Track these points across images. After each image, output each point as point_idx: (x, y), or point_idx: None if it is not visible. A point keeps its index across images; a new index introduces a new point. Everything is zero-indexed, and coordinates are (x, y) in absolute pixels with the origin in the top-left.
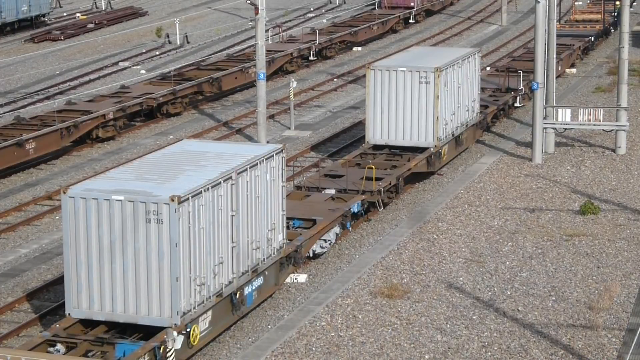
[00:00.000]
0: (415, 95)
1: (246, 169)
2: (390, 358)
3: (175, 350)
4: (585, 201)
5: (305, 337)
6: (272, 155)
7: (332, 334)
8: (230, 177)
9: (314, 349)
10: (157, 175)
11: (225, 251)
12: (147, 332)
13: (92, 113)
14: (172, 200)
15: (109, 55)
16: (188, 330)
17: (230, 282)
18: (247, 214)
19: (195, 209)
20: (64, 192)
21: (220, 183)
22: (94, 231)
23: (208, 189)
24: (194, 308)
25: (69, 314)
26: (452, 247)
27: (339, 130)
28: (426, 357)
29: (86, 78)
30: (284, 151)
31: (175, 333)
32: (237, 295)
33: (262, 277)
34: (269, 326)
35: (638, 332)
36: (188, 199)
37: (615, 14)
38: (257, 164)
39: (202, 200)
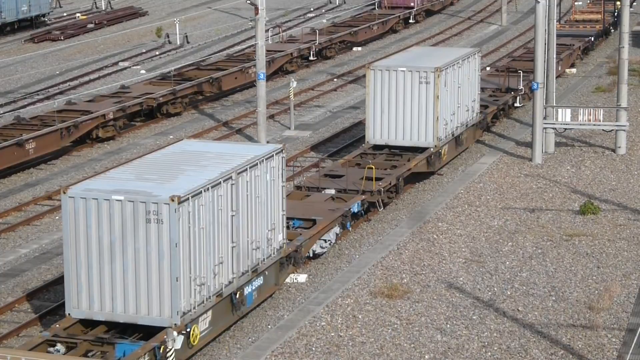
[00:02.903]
0: (415, 95)
1: (246, 169)
2: (390, 358)
3: (175, 350)
4: (585, 201)
5: (305, 337)
6: (272, 156)
7: (332, 334)
8: (230, 177)
9: (314, 349)
10: (157, 175)
11: (225, 251)
12: (147, 332)
13: (92, 113)
14: (172, 200)
15: (109, 55)
16: (188, 330)
17: (230, 282)
18: (247, 214)
19: (195, 209)
20: (64, 192)
21: (220, 183)
22: (94, 231)
23: (208, 189)
24: (194, 308)
25: (68, 314)
26: (452, 247)
27: (339, 130)
28: (426, 357)
29: (86, 78)
30: (284, 151)
31: (175, 333)
32: (237, 295)
33: (262, 277)
34: (269, 326)
35: (638, 332)
36: (188, 199)
37: (616, 13)
38: (257, 164)
39: (202, 200)
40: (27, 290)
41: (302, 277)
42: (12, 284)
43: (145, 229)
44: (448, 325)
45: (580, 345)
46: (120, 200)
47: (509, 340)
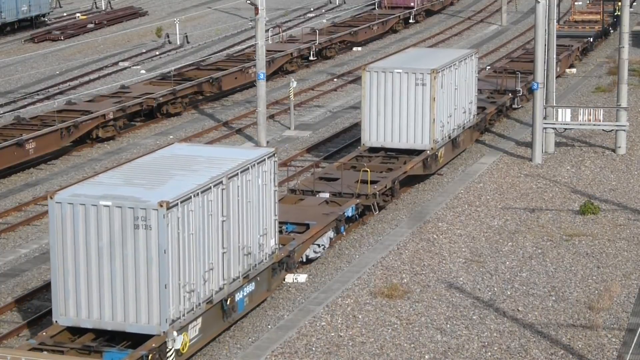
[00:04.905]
0: (411, 97)
1: (237, 174)
2: (390, 358)
3: (175, 350)
4: (585, 201)
5: (305, 337)
6: (264, 159)
7: (332, 334)
8: (221, 182)
9: (314, 349)
10: (146, 180)
11: (215, 257)
12: (136, 340)
13: (92, 113)
14: (161, 206)
15: (109, 55)
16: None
17: (220, 289)
18: (238, 219)
19: (185, 215)
20: (51, 198)
21: (210, 188)
22: (82, 237)
23: (198, 194)
24: (183, 315)
25: (56, 322)
26: (452, 247)
27: (339, 131)
28: (426, 357)
29: (86, 78)
30: (275, 155)
31: (175, 333)
32: (228, 302)
33: (253, 283)
34: (269, 326)
35: (638, 332)
36: (177, 204)
37: (615, 14)
38: (248, 168)
39: (192, 205)
40: (27, 290)
41: (302, 277)
42: (12, 284)
43: (133, 235)
44: (448, 325)
45: (580, 345)
46: (108, 206)
47: (509, 340)
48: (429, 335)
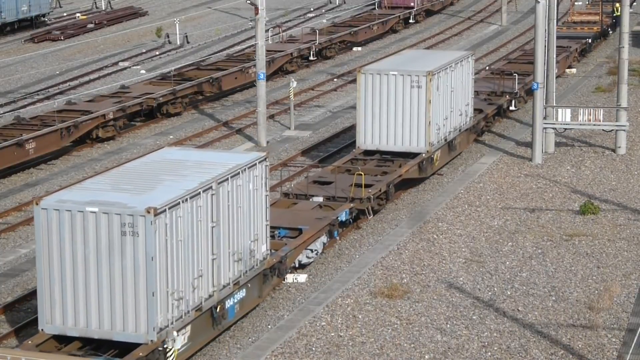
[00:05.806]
0: (407, 99)
1: (227, 179)
2: (390, 358)
3: (175, 350)
4: (585, 201)
5: (305, 337)
6: (255, 164)
7: (332, 334)
8: (211, 187)
9: (314, 349)
10: (134, 185)
11: (205, 264)
12: (123, 348)
13: (92, 113)
14: (148, 212)
15: (109, 55)
16: (165, 346)
17: (210, 296)
18: (228, 224)
19: (173, 221)
20: (36, 204)
21: (199, 193)
22: (68, 244)
23: (187, 199)
24: (172, 323)
25: (42, 330)
26: (452, 247)
27: (339, 131)
28: (426, 357)
29: (86, 78)
30: (267, 159)
31: (175, 333)
32: (218, 309)
33: (244, 290)
34: (269, 326)
35: (638, 332)
36: (165, 210)
37: (614, 15)
38: (239, 173)
39: (180, 211)
40: (27, 290)
41: (302, 277)
42: (12, 284)
43: (120, 241)
44: (448, 325)
45: (580, 345)
46: (94, 212)
47: (509, 340)
48: (429, 335)
